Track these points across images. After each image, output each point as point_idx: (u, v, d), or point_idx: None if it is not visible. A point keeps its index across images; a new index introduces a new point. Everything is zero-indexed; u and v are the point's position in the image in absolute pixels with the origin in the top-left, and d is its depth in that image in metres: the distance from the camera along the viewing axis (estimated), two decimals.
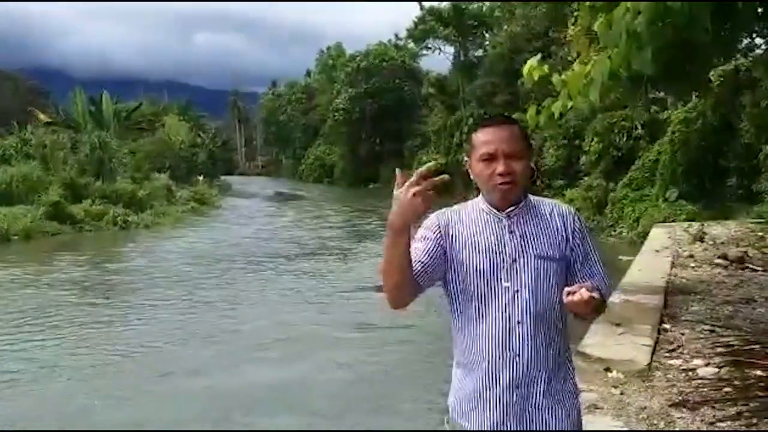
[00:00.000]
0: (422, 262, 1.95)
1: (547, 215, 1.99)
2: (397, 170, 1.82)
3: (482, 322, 1.94)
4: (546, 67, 3.11)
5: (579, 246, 1.98)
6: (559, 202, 2.10)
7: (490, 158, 1.93)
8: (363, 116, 50.14)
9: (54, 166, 24.98)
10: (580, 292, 1.77)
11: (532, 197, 2.02)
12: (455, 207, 2.07)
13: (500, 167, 1.91)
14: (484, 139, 1.95)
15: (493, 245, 1.94)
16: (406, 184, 1.76)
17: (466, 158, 2.05)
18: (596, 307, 1.85)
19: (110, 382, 7.45)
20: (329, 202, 36.08)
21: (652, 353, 5.26)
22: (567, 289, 1.81)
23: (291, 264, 15.24)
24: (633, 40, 2.63)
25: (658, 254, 10.52)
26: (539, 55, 3.22)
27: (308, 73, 74.39)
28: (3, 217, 20.00)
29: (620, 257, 12.06)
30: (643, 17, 2.55)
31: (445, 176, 1.79)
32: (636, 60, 2.68)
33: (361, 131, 51.48)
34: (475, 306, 1.95)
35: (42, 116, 32.76)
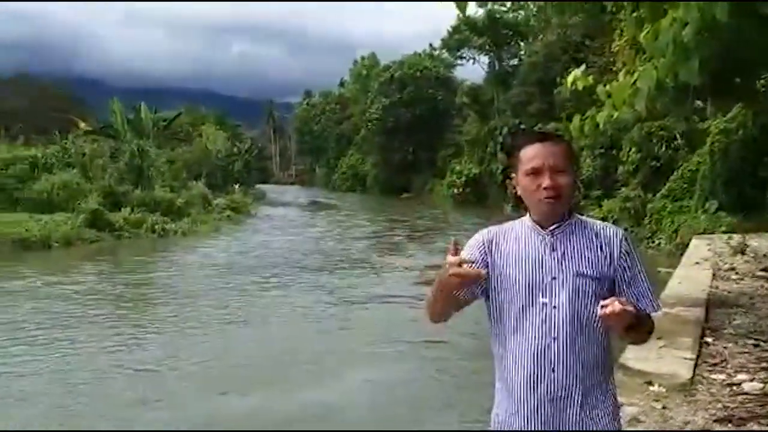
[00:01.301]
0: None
1: (593, 235, 1.99)
2: (451, 241, 1.91)
3: (519, 337, 1.96)
4: (591, 78, 3.10)
5: (626, 268, 1.98)
6: (609, 224, 2.10)
7: (536, 172, 1.95)
8: (396, 126, 50.29)
9: (94, 175, 25.52)
10: (612, 305, 1.78)
11: (581, 217, 2.04)
12: (502, 225, 2.10)
13: (546, 181, 1.93)
14: (532, 154, 1.97)
15: (534, 261, 1.97)
16: (449, 263, 1.86)
17: (514, 175, 2.06)
18: (638, 325, 1.87)
19: (100, 406, 7.00)
20: (361, 213, 36.07)
21: (695, 367, 5.17)
22: (602, 302, 1.81)
23: (321, 276, 15.03)
24: (680, 50, 2.62)
25: (698, 266, 10.34)
26: (583, 66, 3.21)
27: (342, 83, 75.01)
28: (44, 224, 20.46)
29: (659, 269, 11.88)
30: (690, 28, 2.54)
31: (482, 273, 1.92)
32: (683, 70, 2.66)
33: (394, 141, 51.62)
34: (513, 321, 1.98)
35: (82, 125, 33.48)
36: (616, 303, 1.78)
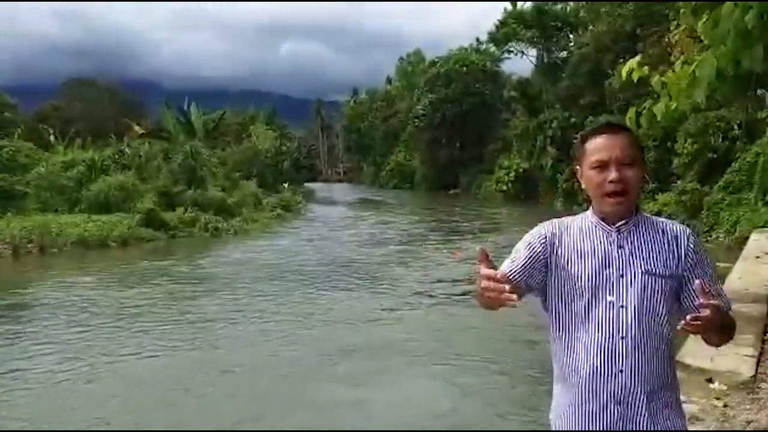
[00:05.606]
0: (521, 269, 1.97)
1: (660, 233, 1.94)
2: (479, 249, 1.81)
3: (583, 336, 1.91)
4: (646, 68, 3.03)
5: (694, 266, 1.92)
6: (674, 221, 2.04)
7: (602, 165, 1.90)
8: (443, 121, 50.02)
9: (148, 175, 26.15)
10: (703, 312, 1.70)
11: (646, 215, 1.98)
12: (564, 219, 2.05)
13: (612, 174, 1.88)
14: (597, 146, 1.92)
15: (600, 259, 1.91)
16: (481, 277, 1.75)
17: (578, 168, 2.02)
18: (724, 326, 1.83)
19: None
20: (407, 212, 35.24)
21: (757, 365, 5.02)
22: (688, 317, 1.72)
23: (379, 287, 14.19)
24: (742, 37, 2.53)
25: (758, 261, 10.01)
26: (639, 56, 3.14)
27: (388, 80, 75.06)
28: (102, 224, 21.12)
29: (717, 263, 11.47)
30: (753, 13, 2.45)
31: (513, 299, 1.70)
32: (746, 57, 2.58)
33: (441, 137, 51.40)
34: (577, 319, 1.92)
35: (137, 127, 34.39)
36: (703, 306, 1.69)
